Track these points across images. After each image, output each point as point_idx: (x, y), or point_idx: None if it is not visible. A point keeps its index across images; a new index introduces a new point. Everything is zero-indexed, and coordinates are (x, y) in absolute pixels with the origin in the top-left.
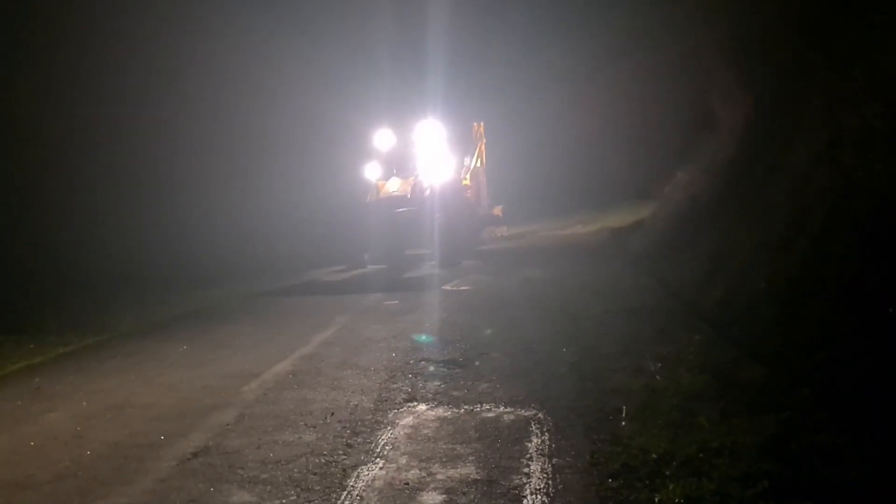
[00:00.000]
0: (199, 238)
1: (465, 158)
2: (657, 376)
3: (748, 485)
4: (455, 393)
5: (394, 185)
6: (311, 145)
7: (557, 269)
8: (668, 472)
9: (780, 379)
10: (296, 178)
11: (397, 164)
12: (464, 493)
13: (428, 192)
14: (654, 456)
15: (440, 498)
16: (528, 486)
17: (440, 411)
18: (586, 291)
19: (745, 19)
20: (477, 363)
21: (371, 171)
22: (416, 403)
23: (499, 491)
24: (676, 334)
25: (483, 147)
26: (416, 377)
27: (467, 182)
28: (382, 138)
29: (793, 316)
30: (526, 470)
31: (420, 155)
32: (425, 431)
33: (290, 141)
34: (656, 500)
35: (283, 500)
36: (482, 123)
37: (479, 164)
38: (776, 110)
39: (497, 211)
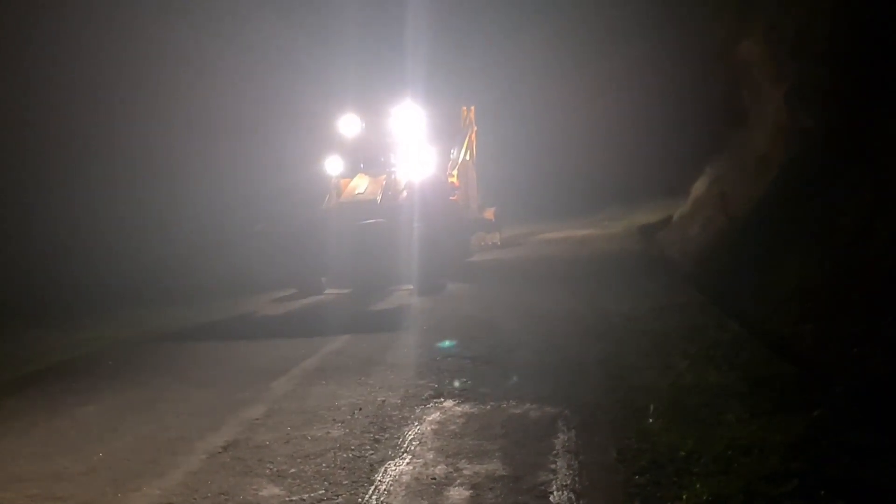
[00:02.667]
0: (118, 249)
1: (452, 150)
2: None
3: (777, 483)
4: None
5: (361, 185)
6: (260, 133)
7: (573, 292)
8: (695, 470)
9: (811, 376)
10: (241, 174)
11: (366, 157)
12: (490, 489)
13: (405, 193)
14: (681, 453)
15: (467, 493)
16: (554, 482)
17: None
18: (629, 344)
19: (780, 12)
20: None
21: (332, 166)
22: None
23: (525, 487)
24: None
25: (474, 136)
26: None
27: (454, 179)
28: (347, 125)
29: (825, 312)
30: (552, 466)
31: (395, 146)
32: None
33: (232, 128)
34: (683, 497)
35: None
36: (472, 108)
37: (468, 158)
38: (808, 105)
39: (489, 214)
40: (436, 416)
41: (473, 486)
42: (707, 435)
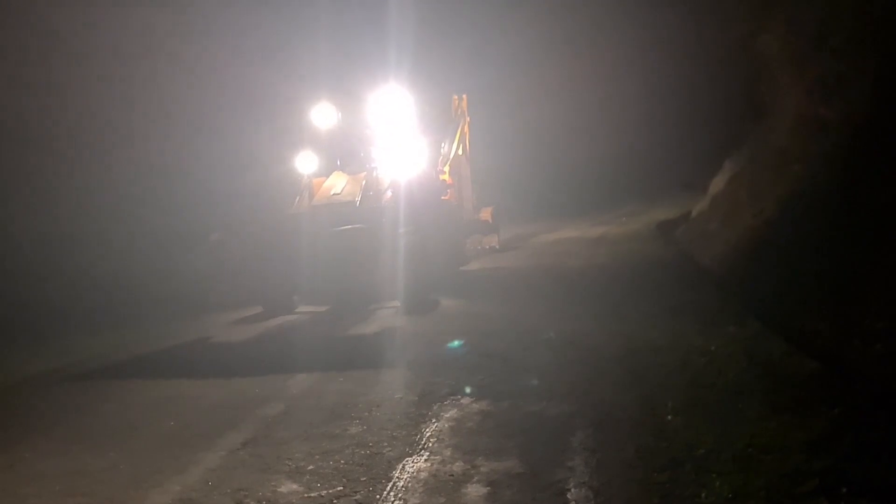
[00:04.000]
0: (52, 264)
1: (443, 144)
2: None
3: (798, 482)
4: None
5: (337, 185)
6: (219, 127)
7: (591, 311)
8: (715, 468)
9: (833, 374)
10: (198, 174)
11: (343, 152)
12: (508, 486)
13: (389, 193)
14: (700, 451)
15: (484, 490)
16: (572, 479)
17: None
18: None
19: (800, 5)
20: None
21: (304, 164)
22: None
23: (543, 484)
24: None
25: (466, 128)
26: None
27: (446, 177)
28: (322, 115)
29: (848, 309)
30: (570, 464)
31: (377, 139)
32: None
33: (185, 120)
34: (703, 495)
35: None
36: (465, 96)
37: (460, 152)
38: (829, 98)
39: (486, 214)
40: None
41: (491, 483)
42: (727, 432)
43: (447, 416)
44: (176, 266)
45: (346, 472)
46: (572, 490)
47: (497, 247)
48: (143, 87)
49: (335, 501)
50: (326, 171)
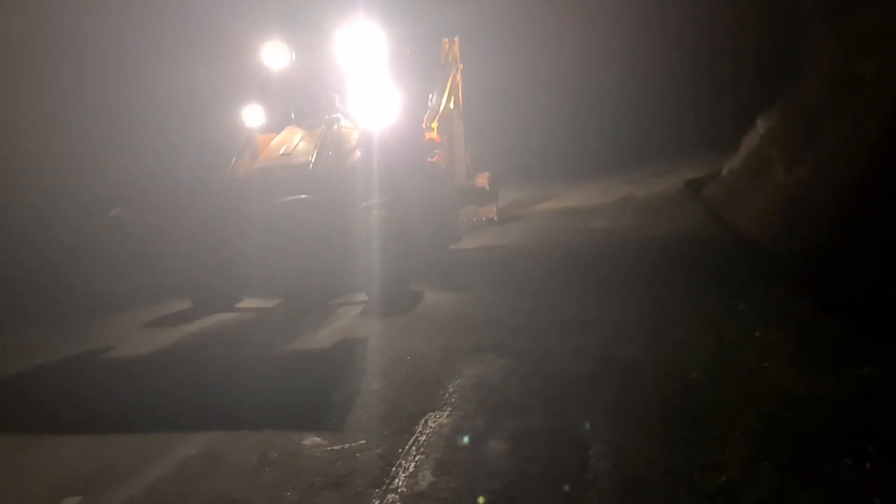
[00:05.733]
0: None
1: (430, 95)
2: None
3: (825, 441)
4: None
5: (290, 143)
6: (138, 72)
7: (617, 314)
8: (740, 426)
9: (862, 334)
10: (113, 129)
11: (299, 102)
12: (530, 442)
13: (357, 153)
14: (725, 409)
15: (505, 446)
16: (593, 435)
17: None
18: None
19: None
20: None
21: (252, 117)
22: None
23: (565, 440)
24: None
25: (459, 77)
26: None
27: (434, 135)
28: (272, 56)
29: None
30: (593, 421)
31: (343, 85)
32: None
33: (93, 63)
34: (727, 453)
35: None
36: (457, 39)
37: (451, 106)
38: (867, 53)
39: (482, 180)
40: None
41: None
42: (752, 391)
43: None
44: (83, 249)
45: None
46: (594, 447)
47: (495, 219)
48: (59, 35)
49: (358, 454)
50: (278, 126)
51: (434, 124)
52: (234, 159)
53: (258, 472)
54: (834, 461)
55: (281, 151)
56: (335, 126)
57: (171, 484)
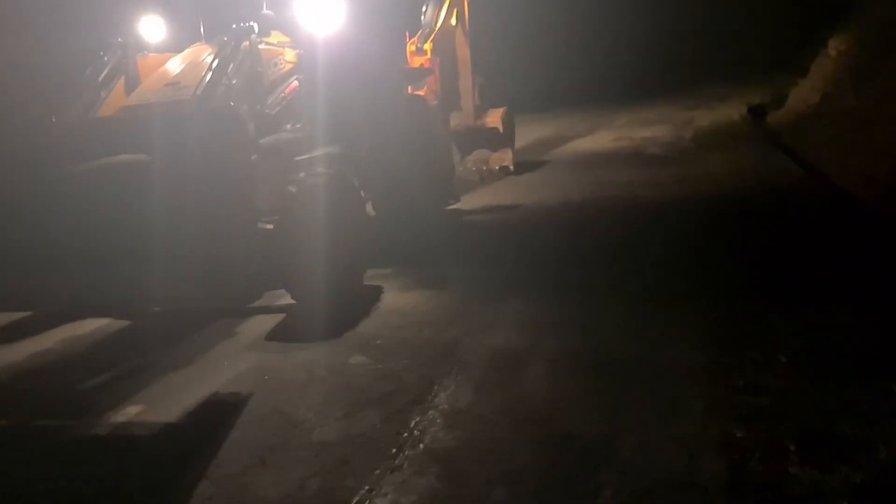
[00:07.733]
0: None
1: (424, 7)
2: None
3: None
4: None
5: (188, 67)
6: None
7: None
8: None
9: None
10: None
11: (213, 9)
12: (569, 360)
13: (294, 83)
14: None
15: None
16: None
17: None
18: None
19: None
20: None
21: (149, 31)
22: None
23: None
24: None
25: None
26: None
27: (426, 58)
28: None
29: None
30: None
31: None
32: None
33: None
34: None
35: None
36: None
37: (454, 23)
38: None
39: (493, 119)
40: None
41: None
42: None
43: None
44: None
45: None
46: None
47: (511, 168)
48: None
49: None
50: (183, 45)
51: (427, 45)
52: (101, 94)
53: (307, 386)
54: None
55: (167, 81)
56: (246, 42)
57: (223, 396)
